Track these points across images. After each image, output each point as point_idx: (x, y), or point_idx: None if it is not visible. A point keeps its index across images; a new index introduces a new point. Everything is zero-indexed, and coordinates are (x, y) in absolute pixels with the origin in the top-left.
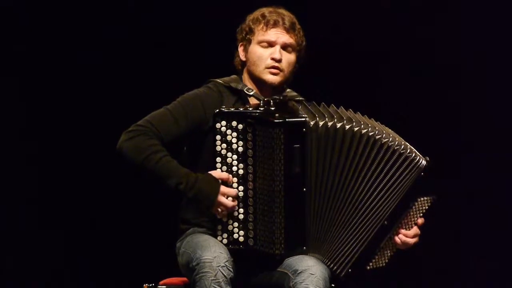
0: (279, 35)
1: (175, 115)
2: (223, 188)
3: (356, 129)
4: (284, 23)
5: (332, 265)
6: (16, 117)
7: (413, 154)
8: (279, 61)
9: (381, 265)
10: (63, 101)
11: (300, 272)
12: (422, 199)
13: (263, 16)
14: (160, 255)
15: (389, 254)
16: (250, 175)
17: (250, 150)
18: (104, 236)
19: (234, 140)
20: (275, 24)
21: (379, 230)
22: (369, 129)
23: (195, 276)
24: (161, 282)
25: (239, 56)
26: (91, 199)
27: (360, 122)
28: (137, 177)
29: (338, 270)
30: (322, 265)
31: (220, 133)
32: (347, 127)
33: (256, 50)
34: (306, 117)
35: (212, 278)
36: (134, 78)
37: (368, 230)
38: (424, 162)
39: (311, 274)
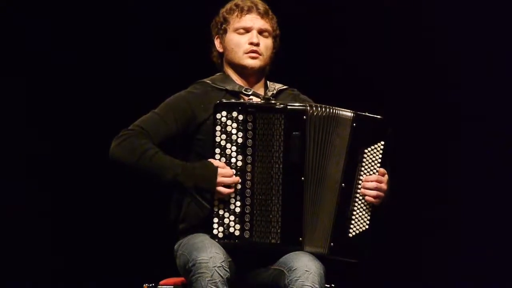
0: (254, 20)
1: (162, 116)
2: (220, 170)
3: (335, 111)
4: (258, 9)
5: (318, 249)
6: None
7: (336, 112)
8: (257, 45)
9: (364, 228)
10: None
11: (295, 269)
12: (369, 148)
13: (237, 5)
14: (160, 255)
15: (366, 215)
16: (249, 166)
17: (250, 140)
18: (104, 236)
19: (234, 131)
20: (249, 10)
21: (340, 195)
22: (335, 110)
23: (191, 277)
24: (161, 282)
25: (216, 49)
26: (91, 199)
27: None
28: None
29: (323, 251)
30: (317, 261)
31: (220, 123)
32: (331, 111)
33: (233, 37)
34: (306, 105)
35: (209, 278)
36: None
37: (331, 200)
38: (348, 114)
39: (306, 271)
